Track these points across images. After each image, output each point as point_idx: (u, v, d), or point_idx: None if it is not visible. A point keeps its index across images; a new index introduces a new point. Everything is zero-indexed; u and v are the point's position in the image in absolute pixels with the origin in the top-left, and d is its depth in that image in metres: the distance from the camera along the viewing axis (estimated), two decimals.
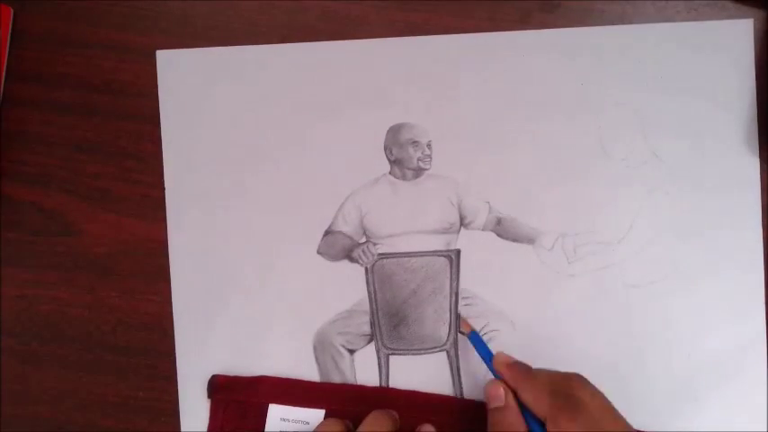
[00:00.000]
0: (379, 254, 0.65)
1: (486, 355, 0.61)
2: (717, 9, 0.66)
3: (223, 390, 0.65)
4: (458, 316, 0.65)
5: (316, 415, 0.64)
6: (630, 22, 0.66)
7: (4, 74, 0.67)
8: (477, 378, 0.65)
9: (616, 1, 0.66)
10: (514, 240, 0.65)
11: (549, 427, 0.52)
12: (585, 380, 0.55)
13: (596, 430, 0.51)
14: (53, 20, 0.67)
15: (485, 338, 0.63)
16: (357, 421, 0.59)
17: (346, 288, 0.65)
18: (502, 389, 0.57)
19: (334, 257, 0.65)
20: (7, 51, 0.67)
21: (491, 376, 0.60)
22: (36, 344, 0.67)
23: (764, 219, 0.65)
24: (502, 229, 0.65)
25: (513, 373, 0.57)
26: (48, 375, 0.66)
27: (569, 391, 0.54)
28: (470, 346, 0.63)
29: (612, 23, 0.66)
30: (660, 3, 0.66)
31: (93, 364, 0.66)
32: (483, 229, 0.65)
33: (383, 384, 0.65)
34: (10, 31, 0.67)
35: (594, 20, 0.66)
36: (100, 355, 0.67)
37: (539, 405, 0.54)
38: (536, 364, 0.63)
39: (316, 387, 0.65)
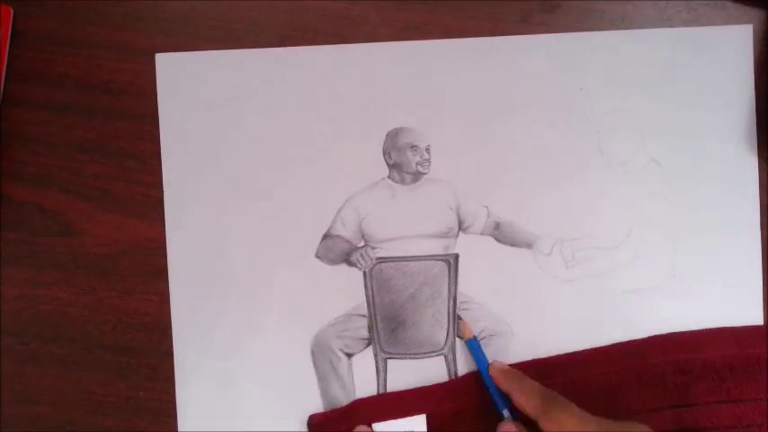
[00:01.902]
0: (378, 258, 0.65)
1: (482, 363, 0.62)
2: (717, 9, 0.65)
3: (324, 426, 0.64)
4: (458, 318, 0.65)
5: (418, 421, 0.63)
6: (631, 23, 0.65)
7: (4, 74, 0.67)
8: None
9: (616, 1, 0.66)
10: (513, 245, 0.65)
11: (542, 424, 0.56)
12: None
13: (587, 417, 0.56)
14: (53, 20, 0.67)
15: (482, 343, 0.64)
16: (457, 416, 0.62)
17: (344, 292, 0.65)
18: (514, 426, 0.59)
19: (333, 261, 0.65)
20: (7, 51, 0.67)
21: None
22: (36, 344, 0.67)
23: (764, 220, 0.65)
24: (500, 233, 0.65)
25: (507, 378, 0.61)
26: (48, 375, 0.67)
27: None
28: (468, 350, 0.63)
29: (613, 24, 0.66)
30: (660, 3, 0.65)
31: (93, 364, 0.67)
32: (481, 234, 0.65)
33: (380, 390, 0.65)
34: (10, 31, 0.67)
35: (595, 20, 0.66)
36: (100, 355, 0.67)
37: (530, 404, 0.57)
38: None
39: (411, 395, 0.64)
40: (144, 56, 0.67)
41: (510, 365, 0.63)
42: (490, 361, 0.62)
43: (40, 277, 0.67)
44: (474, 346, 0.63)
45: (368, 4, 0.66)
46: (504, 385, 0.60)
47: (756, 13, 0.65)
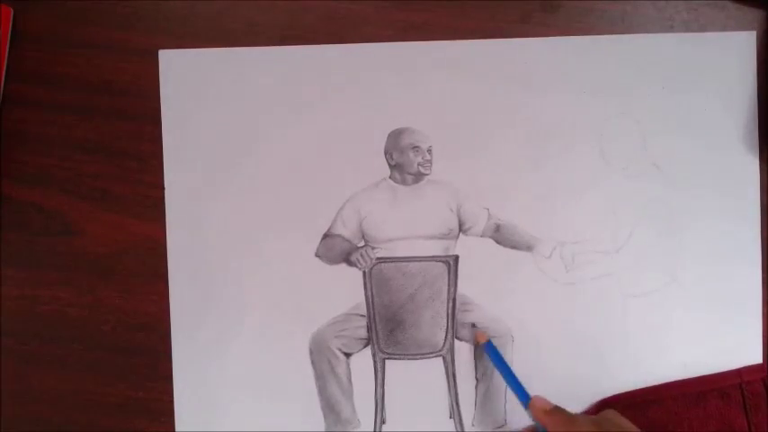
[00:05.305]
0: (378, 258, 0.65)
1: (521, 395, 0.59)
2: (716, 9, 0.65)
3: None
4: (473, 326, 0.65)
5: None
6: (631, 22, 0.65)
7: (4, 74, 0.67)
8: (472, 384, 0.65)
9: (616, 1, 0.66)
10: (513, 248, 0.65)
11: None
12: (618, 414, 0.56)
13: None
14: (53, 20, 0.67)
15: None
16: None
17: (344, 291, 0.65)
18: (546, 402, 0.57)
19: (333, 260, 0.65)
20: (7, 51, 0.67)
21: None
22: (36, 344, 0.67)
23: (764, 225, 0.65)
24: (500, 236, 0.65)
25: (555, 422, 0.56)
26: (48, 375, 0.67)
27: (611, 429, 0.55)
28: (466, 351, 0.63)
29: (613, 23, 0.66)
30: (660, 3, 0.65)
31: (93, 364, 0.67)
32: (482, 236, 0.65)
33: (378, 388, 0.65)
34: (10, 31, 0.67)
35: (595, 20, 0.66)
36: (100, 355, 0.67)
37: None
38: (534, 371, 0.63)
39: None
40: (144, 56, 0.67)
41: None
42: (531, 395, 0.59)
43: (40, 277, 0.67)
44: (490, 349, 0.62)
45: (368, 4, 0.66)
46: (551, 429, 0.56)
47: (756, 14, 0.65)
